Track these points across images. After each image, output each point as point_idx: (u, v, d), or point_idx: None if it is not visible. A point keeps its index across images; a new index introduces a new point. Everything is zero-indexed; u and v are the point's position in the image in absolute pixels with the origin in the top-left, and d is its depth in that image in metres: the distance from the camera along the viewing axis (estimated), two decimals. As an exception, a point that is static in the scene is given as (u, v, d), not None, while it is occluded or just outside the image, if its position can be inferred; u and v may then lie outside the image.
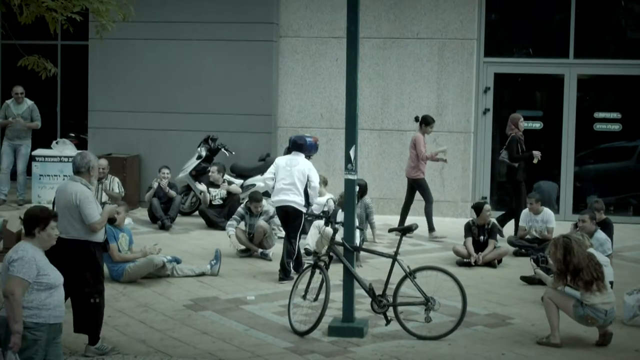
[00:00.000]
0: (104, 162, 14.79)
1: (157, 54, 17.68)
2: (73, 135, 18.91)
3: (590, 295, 9.22)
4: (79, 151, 9.16)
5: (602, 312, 9.22)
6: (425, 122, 15.29)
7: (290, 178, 11.81)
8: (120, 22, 10.52)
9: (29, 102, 16.85)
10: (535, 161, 14.91)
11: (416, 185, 15.28)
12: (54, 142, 17.27)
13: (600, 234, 11.92)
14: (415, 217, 14.47)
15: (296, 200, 11.80)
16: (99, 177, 14.91)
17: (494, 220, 13.72)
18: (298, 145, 12.14)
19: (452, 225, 15.55)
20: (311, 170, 11.97)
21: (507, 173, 15.58)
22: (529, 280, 11.73)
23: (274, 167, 12.14)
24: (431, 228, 14.96)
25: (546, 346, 9.30)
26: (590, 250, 9.71)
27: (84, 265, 8.91)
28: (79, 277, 8.82)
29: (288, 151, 16.31)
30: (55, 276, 6.95)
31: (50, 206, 9.13)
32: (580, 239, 9.61)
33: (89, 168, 9.02)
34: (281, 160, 12.22)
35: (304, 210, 11.86)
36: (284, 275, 11.82)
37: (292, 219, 11.86)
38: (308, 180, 11.83)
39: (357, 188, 10.50)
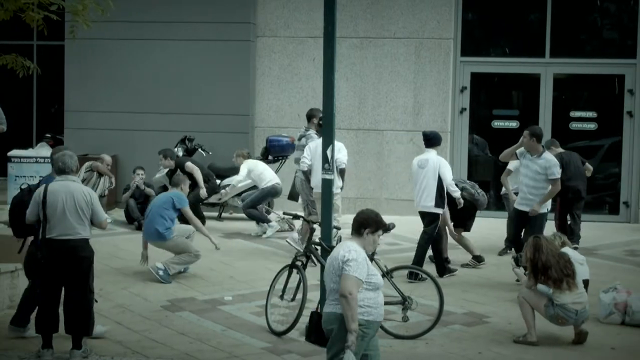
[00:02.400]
0: (109, 158, 15.89)
1: (133, 54, 17.63)
2: (49, 135, 18.81)
3: (561, 294, 9.27)
4: (63, 151, 9.09)
5: (573, 312, 9.27)
6: None
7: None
8: (97, 21, 10.47)
9: None
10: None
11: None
12: (36, 146, 17.23)
13: (548, 155, 11.75)
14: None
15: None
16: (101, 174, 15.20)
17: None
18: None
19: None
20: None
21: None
22: None
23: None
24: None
25: (523, 344, 9.34)
26: (567, 250, 9.77)
27: (87, 264, 8.84)
28: (81, 277, 8.76)
29: (265, 151, 16.40)
30: (379, 277, 7.18)
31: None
32: (551, 237, 9.71)
33: (77, 168, 9.05)
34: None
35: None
36: None
37: None
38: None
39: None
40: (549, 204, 11.92)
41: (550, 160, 11.75)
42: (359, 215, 7.19)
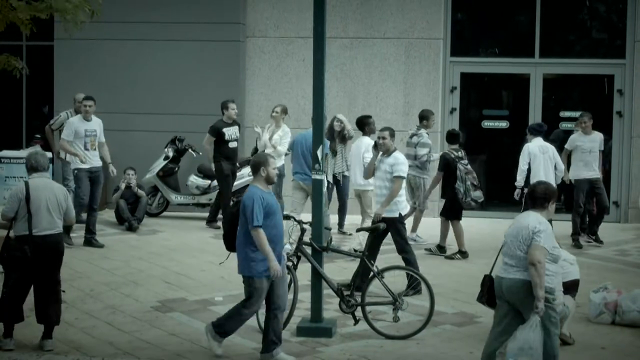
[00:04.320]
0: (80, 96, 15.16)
1: (123, 54, 17.60)
2: (39, 136, 18.70)
3: None
4: (35, 150, 9.45)
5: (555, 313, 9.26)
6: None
7: None
8: (87, 22, 10.46)
9: None
10: None
11: None
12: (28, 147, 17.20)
13: (398, 155, 11.43)
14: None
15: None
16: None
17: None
18: None
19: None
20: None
21: None
22: None
23: None
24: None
25: None
26: (559, 251, 9.77)
27: (61, 257, 9.19)
28: (57, 269, 9.12)
29: (255, 151, 16.38)
30: (560, 250, 7.87)
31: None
32: None
33: (48, 166, 9.29)
34: None
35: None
36: None
37: None
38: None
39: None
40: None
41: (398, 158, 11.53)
42: (540, 190, 7.85)
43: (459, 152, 13.78)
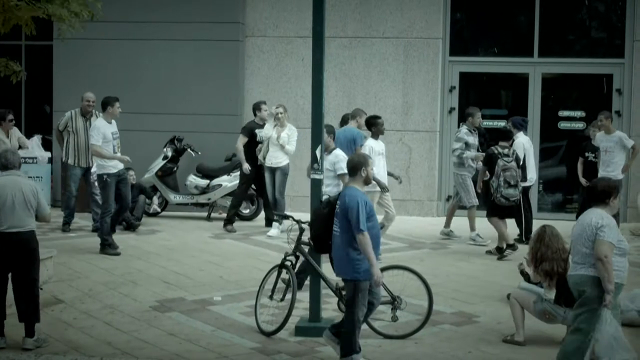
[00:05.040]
0: (91, 95, 15.05)
1: (122, 54, 17.60)
2: (40, 136, 18.77)
3: (550, 290, 9.30)
4: (5, 148, 9.65)
5: (561, 309, 9.27)
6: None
7: None
8: (86, 22, 10.47)
9: None
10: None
11: None
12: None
13: (338, 152, 11.82)
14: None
15: None
16: (87, 113, 15.00)
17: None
18: None
19: (417, 224, 15.60)
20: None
21: None
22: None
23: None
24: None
25: (511, 344, 9.35)
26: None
27: (36, 254, 9.18)
28: (32, 267, 9.10)
29: (233, 155, 16.47)
30: (626, 243, 8.00)
31: None
32: (559, 234, 9.62)
33: (19, 164, 9.29)
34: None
35: None
36: None
37: None
38: None
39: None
40: None
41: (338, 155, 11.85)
42: (600, 186, 8.05)
43: (506, 149, 13.76)
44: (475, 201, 14.73)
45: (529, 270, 9.87)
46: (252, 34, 17.73)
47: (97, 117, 14.54)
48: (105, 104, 13.55)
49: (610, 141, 14.70)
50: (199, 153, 16.84)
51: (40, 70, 18.38)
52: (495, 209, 13.54)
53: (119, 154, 13.45)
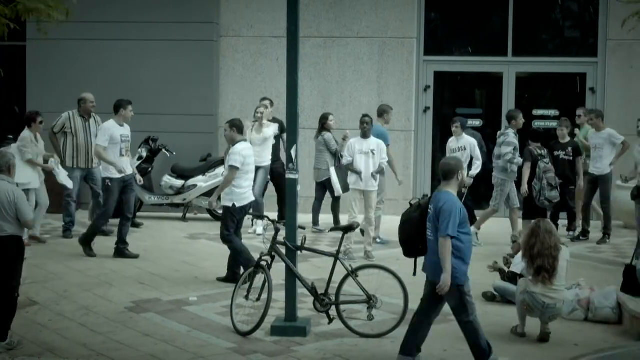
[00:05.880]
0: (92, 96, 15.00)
1: (96, 54, 17.53)
2: (11, 137, 18.60)
3: (534, 285, 9.35)
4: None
5: (540, 304, 9.32)
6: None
7: None
8: (61, 21, 10.41)
9: None
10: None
11: None
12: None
13: (237, 145, 11.64)
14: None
15: None
16: (88, 114, 14.86)
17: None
18: None
19: (392, 223, 15.54)
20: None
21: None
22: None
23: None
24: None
25: (514, 335, 9.61)
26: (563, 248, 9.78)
27: (17, 260, 9.05)
28: (11, 272, 8.97)
29: (208, 156, 16.44)
30: None
31: None
32: (553, 229, 9.63)
33: (10, 167, 9.10)
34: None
35: None
36: None
37: None
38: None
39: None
40: None
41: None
42: None
43: (542, 150, 13.76)
44: (499, 208, 14.69)
45: (507, 268, 9.93)
46: (227, 34, 17.71)
47: (94, 118, 14.67)
48: (118, 107, 13.42)
49: (600, 138, 14.82)
50: (174, 153, 16.79)
51: (13, 71, 18.25)
52: (535, 211, 13.26)
53: (125, 159, 13.27)
